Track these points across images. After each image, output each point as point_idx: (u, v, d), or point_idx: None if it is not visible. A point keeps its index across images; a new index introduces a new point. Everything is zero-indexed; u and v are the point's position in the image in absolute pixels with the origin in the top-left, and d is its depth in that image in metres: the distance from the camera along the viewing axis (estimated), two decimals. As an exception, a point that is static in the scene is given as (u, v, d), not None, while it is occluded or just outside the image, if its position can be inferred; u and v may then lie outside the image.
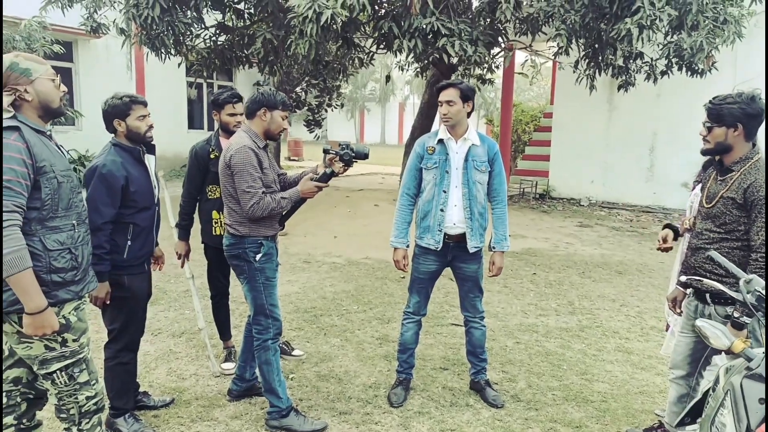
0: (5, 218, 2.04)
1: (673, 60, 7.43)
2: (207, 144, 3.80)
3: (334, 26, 5.84)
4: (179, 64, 9.86)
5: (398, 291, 5.83)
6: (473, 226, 3.38)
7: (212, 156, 3.73)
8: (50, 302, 2.18)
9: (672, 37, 7.22)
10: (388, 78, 10.83)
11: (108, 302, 2.93)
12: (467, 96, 3.30)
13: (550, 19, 6.38)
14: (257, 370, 3.40)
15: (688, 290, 2.93)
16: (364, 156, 3.31)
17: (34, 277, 2.11)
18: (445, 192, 3.36)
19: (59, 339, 2.27)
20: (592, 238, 9.07)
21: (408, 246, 3.52)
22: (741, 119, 2.58)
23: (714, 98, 2.72)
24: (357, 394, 3.63)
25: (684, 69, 8.11)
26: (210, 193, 3.77)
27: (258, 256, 3.11)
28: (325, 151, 3.28)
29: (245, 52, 9.49)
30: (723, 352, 2.89)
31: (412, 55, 6.49)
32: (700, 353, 2.90)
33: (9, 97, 2.18)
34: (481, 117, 33.09)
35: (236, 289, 4.02)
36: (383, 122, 43.49)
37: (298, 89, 14.51)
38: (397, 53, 7.04)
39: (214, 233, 3.78)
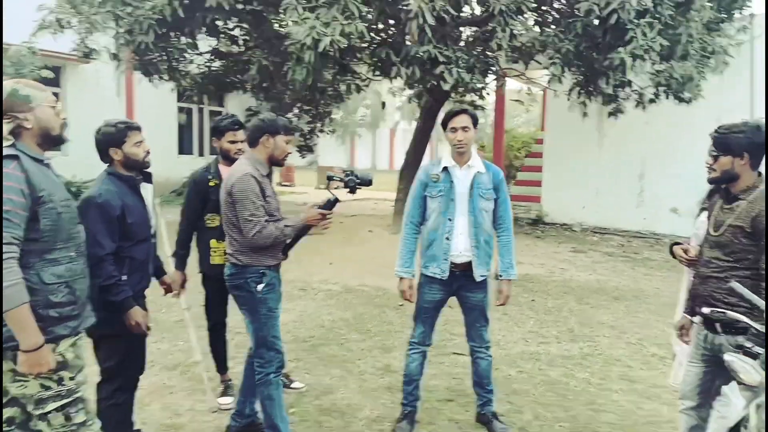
0: (3, 251, 1.97)
1: (661, 88, 7.57)
2: (206, 172, 3.75)
3: (332, 53, 5.87)
4: (172, 90, 9.85)
5: (398, 319, 5.74)
6: (479, 255, 3.34)
7: (211, 184, 3.67)
8: (47, 338, 2.09)
9: (660, 65, 7.36)
10: (383, 104, 10.89)
11: (138, 328, 2.79)
12: (476, 122, 3.29)
13: (545, 48, 6.46)
14: (257, 405, 3.29)
15: (695, 318, 2.89)
16: (369, 183, 3.29)
17: (30, 312, 2.03)
18: (450, 220, 3.32)
19: (55, 377, 2.16)
20: (587, 263, 9.07)
21: (414, 275, 3.46)
22: (747, 148, 2.58)
23: (720, 127, 2.73)
24: (361, 428, 3.53)
25: (671, 97, 8.28)
26: (209, 221, 3.71)
27: (260, 287, 3.04)
28: (330, 178, 3.24)
29: (240, 77, 9.51)
30: (733, 383, 2.86)
31: (409, 82, 6.53)
32: (710, 383, 2.85)
33: (8, 125, 2.12)
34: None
35: (233, 319, 3.94)
36: (374, 148, 43.67)
37: (290, 115, 14.54)
38: (394, 80, 7.08)
39: (213, 262, 3.70)
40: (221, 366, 3.99)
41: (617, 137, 12.06)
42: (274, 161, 3.13)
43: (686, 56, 6.70)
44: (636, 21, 5.84)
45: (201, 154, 16.67)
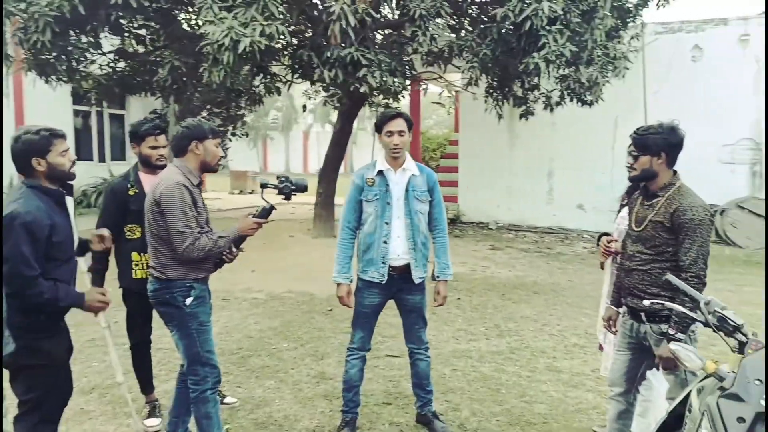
0: None
1: (566, 92, 8.02)
2: (125, 180, 3.51)
3: (252, 55, 5.69)
4: (72, 91, 9.19)
5: (328, 324, 5.66)
6: (417, 257, 3.35)
7: (131, 193, 3.44)
8: None
9: (565, 71, 7.78)
10: (304, 107, 10.75)
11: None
12: (411, 126, 3.30)
13: (463, 52, 6.62)
14: (191, 425, 3.12)
15: (621, 309, 3.06)
16: (304, 189, 3.21)
17: None
18: (387, 224, 3.31)
19: None
20: (505, 260, 9.40)
21: (352, 281, 3.42)
22: (664, 148, 2.75)
23: (638, 129, 2.90)
24: (301, 439, 3.44)
25: (575, 100, 8.79)
26: (129, 233, 3.46)
27: (188, 300, 2.88)
28: (264, 186, 3.13)
29: (147, 79, 9.02)
30: (656, 368, 3.05)
31: (331, 84, 6.47)
32: (636, 370, 3.03)
33: None
34: (384, 144, 33.73)
35: (156, 336, 3.72)
36: (287, 151, 43.06)
37: (199, 117, 14.01)
38: (316, 82, 6.99)
39: (134, 276, 3.46)
40: (146, 386, 3.75)
41: (527, 138, 12.64)
42: (207, 168, 2.98)
43: (591, 62, 7.12)
44: (548, 28, 6.14)
45: (102, 160, 15.70)
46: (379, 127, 3.30)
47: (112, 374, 4.30)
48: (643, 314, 2.81)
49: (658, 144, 2.76)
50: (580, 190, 12.39)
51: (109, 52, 8.85)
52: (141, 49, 9.06)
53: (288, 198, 3.13)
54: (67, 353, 2.75)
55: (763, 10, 9.32)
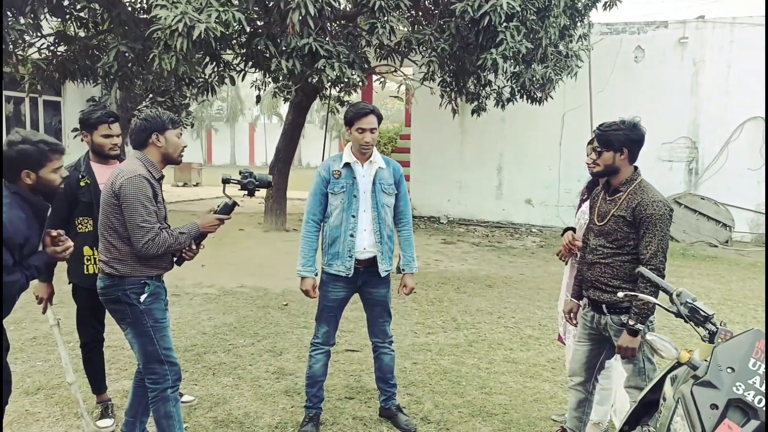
0: None
1: (517, 89, 8.18)
2: (75, 170, 3.31)
3: (206, 42, 5.49)
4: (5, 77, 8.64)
5: (284, 319, 5.57)
6: (383, 250, 3.33)
7: (82, 184, 3.26)
8: None
9: (519, 68, 7.92)
10: (258, 99, 10.49)
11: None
12: (380, 121, 3.26)
13: (420, 46, 6.62)
14: (149, 425, 3.00)
15: (582, 302, 3.14)
16: (268, 184, 3.14)
17: None
18: (354, 216, 3.27)
19: None
20: (458, 254, 9.52)
21: (317, 274, 3.36)
22: (626, 144, 2.83)
23: (601, 125, 2.97)
24: (264, 437, 3.36)
25: (526, 97, 8.98)
26: (80, 226, 3.28)
27: (143, 297, 2.74)
28: (225, 181, 3.02)
29: (89, 64, 8.58)
30: (615, 358, 3.14)
31: (288, 75, 6.32)
32: (596, 360, 3.12)
33: None
34: (334, 138, 33.53)
35: (106, 333, 3.56)
36: (233, 143, 42.14)
37: (141, 106, 13.46)
38: (271, 73, 6.83)
39: (86, 272, 3.28)
40: (98, 386, 3.58)
41: (477, 133, 12.82)
42: (171, 160, 2.85)
43: (545, 59, 7.27)
44: (505, 24, 6.21)
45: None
46: (350, 122, 3.24)
47: (58, 374, 4.10)
48: (604, 306, 2.88)
49: (621, 140, 2.83)
50: (529, 186, 12.70)
51: (49, 35, 8.37)
52: (83, 33, 8.61)
53: (251, 194, 3.03)
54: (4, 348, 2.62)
55: (701, 15, 9.81)
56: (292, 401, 3.80)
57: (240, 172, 3.05)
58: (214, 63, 7.30)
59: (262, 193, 11.80)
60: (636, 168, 2.92)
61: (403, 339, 5.14)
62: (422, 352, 4.84)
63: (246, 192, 3.04)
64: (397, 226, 3.49)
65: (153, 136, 2.77)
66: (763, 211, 11.69)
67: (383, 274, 3.35)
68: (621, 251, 2.84)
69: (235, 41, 6.83)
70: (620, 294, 2.15)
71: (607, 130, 2.88)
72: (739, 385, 1.66)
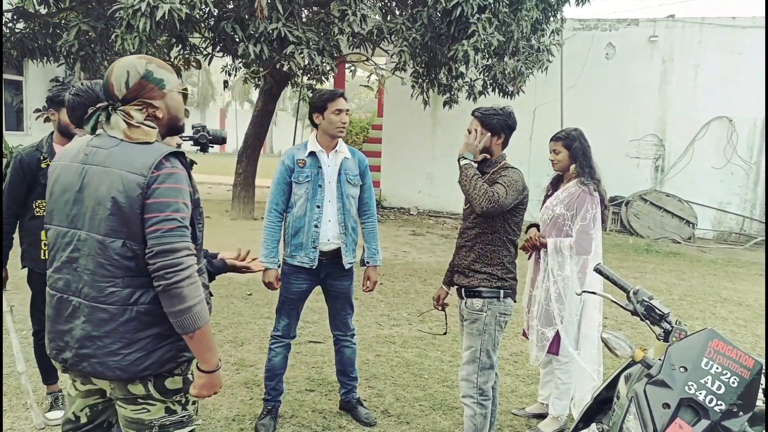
0: (188, 264, 1.70)
1: (489, 82, 8.19)
2: (36, 150, 3.18)
3: (171, 23, 5.32)
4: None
5: (247, 309, 5.48)
6: (347, 242, 3.28)
7: (44, 165, 3.13)
8: (181, 361, 1.84)
9: (491, 60, 7.92)
10: (225, 84, 10.28)
11: None
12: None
13: (392, 35, 6.55)
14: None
15: (451, 289, 3.19)
16: (222, 140, 2.96)
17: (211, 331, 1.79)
18: (318, 207, 3.20)
19: (183, 400, 1.88)
20: (426, 246, 9.52)
21: (280, 265, 3.29)
22: (505, 129, 2.89)
23: (478, 109, 2.97)
24: (220, 429, 3.29)
25: (497, 90, 9.00)
26: (38, 209, 3.15)
27: None
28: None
29: (50, 42, 8.27)
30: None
31: (256, 61, 6.19)
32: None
33: (140, 114, 1.79)
34: (306, 126, 33.23)
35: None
36: (203, 128, 41.42)
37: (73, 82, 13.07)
38: (239, 57, 6.67)
39: (43, 257, 3.16)
40: (49, 375, 3.46)
41: (449, 125, 12.81)
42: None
43: (516, 53, 7.27)
44: (477, 15, 6.18)
45: (-3, 130, 14.34)
46: (322, 106, 3.16)
47: (8, 362, 3.94)
48: (463, 291, 2.92)
49: (501, 125, 2.88)
50: (499, 179, 12.75)
51: (7, 11, 8.04)
52: (43, 10, 8.29)
53: (204, 150, 2.90)
54: None
55: (674, 13, 9.95)
56: (251, 393, 3.74)
57: (192, 126, 2.91)
58: (180, 45, 7.10)
59: (230, 179, 11.61)
60: (504, 156, 2.97)
61: (367, 331, 5.11)
62: (386, 344, 4.82)
63: (198, 147, 2.90)
64: (361, 217, 3.44)
65: (90, 111, 2.64)
66: (725, 210, 12.00)
67: (347, 267, 3.30)
68: (485, 231, 2.85)
69: (203, 24, 6.64)
70: (577, 291, 2.15)
71: (488, 113, 2.89)
72: (692, 385, 1.67)
